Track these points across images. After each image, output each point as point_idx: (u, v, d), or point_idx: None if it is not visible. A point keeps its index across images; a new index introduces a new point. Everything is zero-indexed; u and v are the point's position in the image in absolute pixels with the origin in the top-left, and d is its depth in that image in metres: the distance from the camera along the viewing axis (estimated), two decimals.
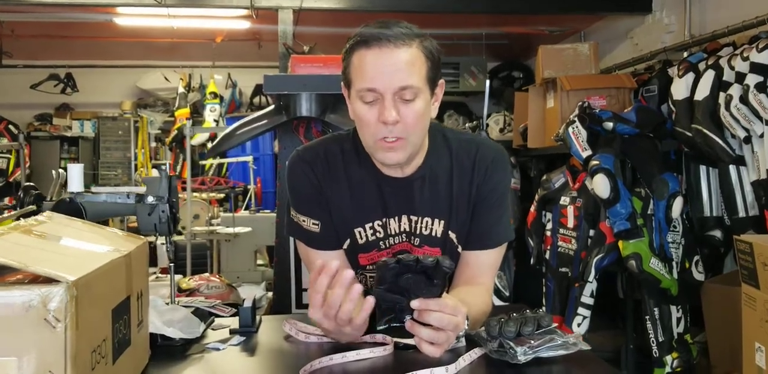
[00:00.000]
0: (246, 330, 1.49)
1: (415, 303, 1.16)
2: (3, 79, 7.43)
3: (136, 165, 7.81)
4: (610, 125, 3.25)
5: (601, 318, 3.48)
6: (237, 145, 2.46)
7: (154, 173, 6.60)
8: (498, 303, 3.44)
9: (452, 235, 1.51)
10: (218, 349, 1.38)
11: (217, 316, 1.56)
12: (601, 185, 3.11)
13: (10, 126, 7.84)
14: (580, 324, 3.34)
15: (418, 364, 1.16)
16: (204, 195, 5.15)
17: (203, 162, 6.49)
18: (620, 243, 3.12)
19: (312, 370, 1.18)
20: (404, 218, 1.51)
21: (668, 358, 3.17)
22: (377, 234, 1.51)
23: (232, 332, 1.49)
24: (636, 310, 3.35)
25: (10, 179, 7.69)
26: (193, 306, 1.51)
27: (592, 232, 3.32)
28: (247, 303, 1.51)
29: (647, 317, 3.20)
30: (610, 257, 3.22)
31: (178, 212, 1.48)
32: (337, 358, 1.23)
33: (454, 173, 1.50)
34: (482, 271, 1.53)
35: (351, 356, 1.24)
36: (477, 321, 1.37)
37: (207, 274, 2.86)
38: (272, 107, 2.48)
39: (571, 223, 3.46)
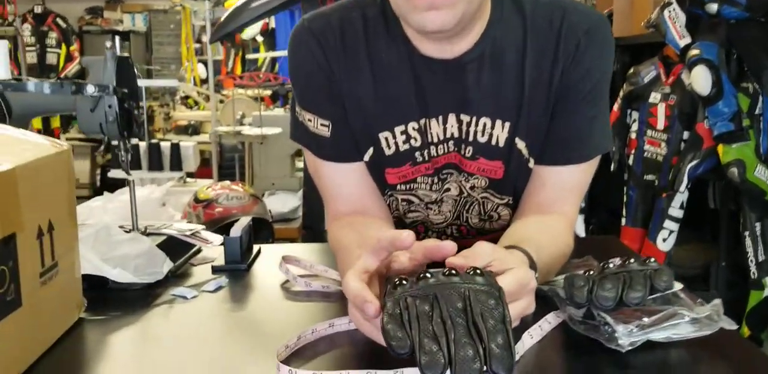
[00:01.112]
0: (233, 268, 1.11)
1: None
2: None
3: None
4: (714, 7, 2.77)
5: (688, 230, 3.11)
6: (248, 23, 2.00)
7: (200, 68, 6.22)
8: None
9: (521, 144, 1.06)
10: (185, 298, 1.00)
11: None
12: (701, 79, 2.72)
13: (58, 19, 7.57)
14: (666, 239, 3.01)
15: None
16: (250, 92, 4.74)
17: (252, 56, 6.03)
18: (720, 148, 2.74)
19: (290, 352, 0.78)
20: (451, 119, 1.06)
21: None
22: (412, 142, 1.07)
23: (216, 270, 1.11)
24: (731, 223, 2.96)
25: (61, 75, 7.48)
26: (165, 233, 1.13)
27: (686, 134, 2.94)
28: (235, 233, 1.11)
29: (746, 233, 2.85)
30: (706, 164, 2.84)
31: (137, 108, 1.07)
32: (322, 329, 0.83)
33: (528, 52, 1.02)
34: (563, 195, 1.08)
35: (340, 325, 0.84)
36: (551, 271, 0.94)
37: (228, 182, 2.49)
38: None
39: (661, 124, 3.06)
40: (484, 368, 0.60)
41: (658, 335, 0.74)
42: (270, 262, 1.14)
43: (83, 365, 0.82)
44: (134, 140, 3.62)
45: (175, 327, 0.92)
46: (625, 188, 3.31)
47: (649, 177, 3.13)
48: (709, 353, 0.77)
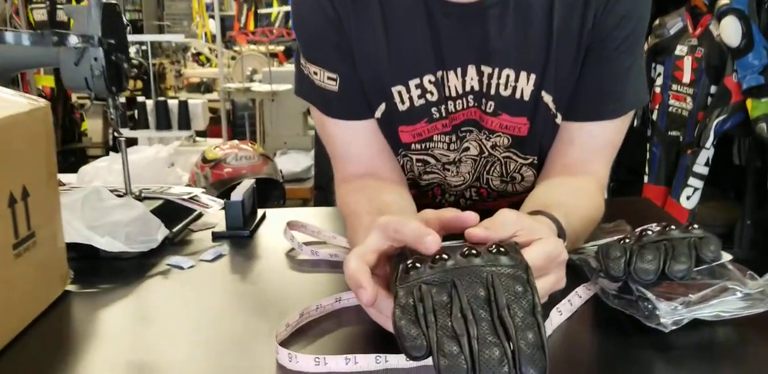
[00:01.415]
0: (235, 234, 1.03)
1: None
2: None
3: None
4: None
5: (711, 188, 3.03)
6: None
7: (212, 24, 6.10)
8: None
9: (547, 97, 0.96)
10: (181, 268, 0.92)
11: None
12: (730, 30, 2.63)
13: None
14: (690, 196, 2.94)
15: None
16: (263, 48, 4.62)
17: (264, 11, 5.89)
18: (749, 102, 2.65)
19: (291, 331, 0.70)
20: (471, 71, 0.96)
21: None
22: (428, 96, 0.98)
23: (216, 237, 1.04)
24: (757, 180, 2.90)
25: None
26: (161, 197, 1.05)
27: (713, 89, 2.84)
28: (237, 196, 1.03)
29: None
30: (734, 120, 2.74)
31: (127, 61, 0.98)
32: (328, 304, 0.75)
33: None
34: (593, 154, 0.99)
35: (348, 299, 0.76)
36: (581, 238, 0.86)
37: (237, 141, 2.40)
38: None
39: (687, 78, 2.95)
40: (514, 371, 0.51)
41: (705, 312, 0.66)
42: (275, 227, 1.06)
43: (69, 341, 0.75)
44: (141, 98, 3.54)
45: (169, 300, 0.85)
46: (648, 145, 3.23)
47: (674, 133, 3.04)
48: (759, 332, 0.68)
